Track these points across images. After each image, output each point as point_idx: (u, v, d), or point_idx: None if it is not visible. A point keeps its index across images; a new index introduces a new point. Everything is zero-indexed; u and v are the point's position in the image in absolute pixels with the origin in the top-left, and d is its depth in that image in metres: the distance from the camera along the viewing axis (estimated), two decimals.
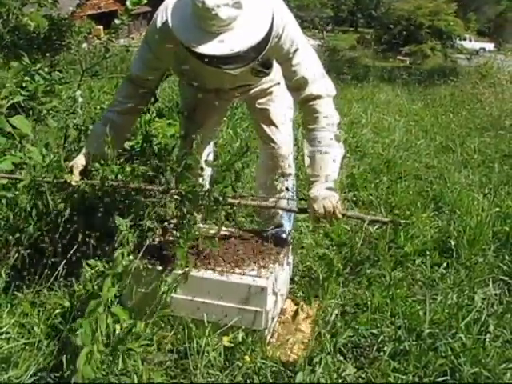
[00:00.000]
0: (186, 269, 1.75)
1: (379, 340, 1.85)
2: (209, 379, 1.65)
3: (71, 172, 1.94)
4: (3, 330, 1.80)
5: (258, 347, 1.73)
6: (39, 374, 1.64)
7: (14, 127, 2.32)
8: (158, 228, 1.89)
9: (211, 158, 2.39)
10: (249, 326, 1.74)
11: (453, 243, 2.68)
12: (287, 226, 2.37)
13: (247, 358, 1.69)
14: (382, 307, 2.05)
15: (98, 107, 3.38)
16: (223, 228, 2.05)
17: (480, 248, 2.63)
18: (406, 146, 4.80)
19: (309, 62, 1.89)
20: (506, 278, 2.36)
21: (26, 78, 2.96)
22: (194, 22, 1.65)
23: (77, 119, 3.02)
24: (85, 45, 5.69)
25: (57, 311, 1.91)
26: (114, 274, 1.59)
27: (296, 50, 1.84)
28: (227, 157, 3.49)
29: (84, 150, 2.00)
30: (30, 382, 1.61)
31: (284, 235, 2.25)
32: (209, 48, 1.64)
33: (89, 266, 1.83)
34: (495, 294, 2.20)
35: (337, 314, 1.91)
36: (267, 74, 2.07)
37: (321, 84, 1.90)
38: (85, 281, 1.87)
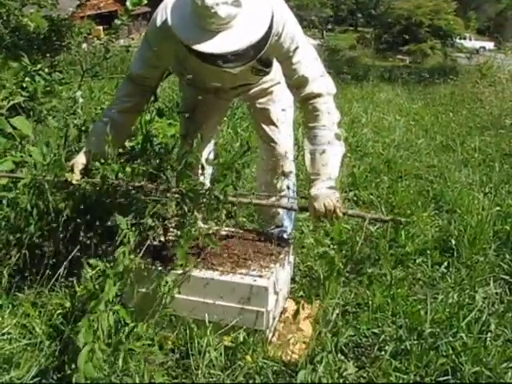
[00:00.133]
0: (187, 269, 1.75)
1: (380, 339, 1.85)
2: (210, 379, 1.65)
3: (72, 171, 1.94)
4: (5, 330, 1.80)
5: (259, 347, 1.73)
6: (41, 374, 1.64)
7: (14, 128, 2.32)
8: (159, 227, 1.89)
9: (212, 156, 2.39)
10: (250, 326, 1.74)
11: (453, 242, 2.68)
12: (288, 225, 2.37)
13: (248, 357, 1.69)
14: (383, 306, 2.05)
15: (99, 108, 3.39)
16: (224, 228, 2.05)
17: (481, 247, 2.63)
18: (407, 145, 4.80)
19: (309, 60, 1.89)
20: (507, 277, 2.36)
21: (27, 79, 2.96)
22: (194, 20, 1.65)
23: (77, 120, 3.02)
24: (85, 45, 5.70)
25: (58, 312, 1.91)
26: (115, 273, 1.59)
27: (296, 49, 1.84)
28: (228, 156, 3.49)
29: (84, 149, 1.99)
30: (32, 382, 1.61)
31: (285, 235, 2.25)
32: (208, 46, 1.64)
33: (90, 265, 1.83)
34: (496, 293, 2.20)
35: (338, 314, 1.91)
36: (267, 73, 2.07)
37: (321, 82, 1.90)
38: (86, 281, 1.87)
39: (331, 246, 2.52)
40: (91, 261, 1.70)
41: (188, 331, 1.75)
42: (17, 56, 3.27)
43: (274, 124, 2.22)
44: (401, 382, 1.66)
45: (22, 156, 2.21)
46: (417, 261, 2.53)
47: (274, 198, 2.10)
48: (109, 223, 2.12)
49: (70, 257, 1.99)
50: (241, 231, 2.09)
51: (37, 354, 1.70)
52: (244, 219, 2.79)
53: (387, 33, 20.99)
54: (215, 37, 1.64)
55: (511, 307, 2.08)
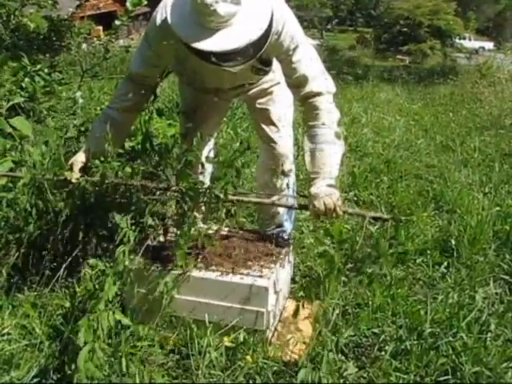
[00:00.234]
0: (187, 269, 1.75)
1: (380, 339, 1.85)
2: (211, 379, 1.65)
3: (71, 169, 1.93)
4: (5, 331, 1.80)
5: (259, 347, 1.73)
6: (41, 375, 1.63)
7: (14, 128, 2.32)
8: (159, 225, 1.88)
9: (212, 155, 2.39)
10: (250, 326, 1.74)
11: (453, 242, 2.68)
12: (288, 225, 2.37)
13: (249, 358, 1.69)
14: (383, 306, 2.06)
15: (98, 108, 3.39)
16: (224, 228, 2.05)
17: (481, 247, 2.63)
18: (406, 145, 4.80)
19: (309, 59, 1.89)
20: (507, 277, 2.36)
21: (26, 79, 2.96)
22: (193, 18, 1.65)
23: (77, 120, 3.02)
24: (84, 45, 5.69)
25: (58, 312, 1.91)
26: (114, 273, 1.59)
27: (296, 47, 1.84)
28: (228, 155, 3.49)
29: (84, 148, 1.99)
30: (32, 383, 1.61)
31: (285, 235, 2.25)
32: (207, 44, 1.64)
33: (89, 265, 1.84)
34: (496, 293, 2.20)
35: (338, 314, 1.91)
36: (267, 72, 2.07)
37: (321, 81, 1.90)
38: (85, 281, 1.87)
39: (331, 244, 2.53)
40: (91, 261, 1.70)
41: (188, 331, 1.75)
42: (17, 56, 3.27)
43: (273, 124, 2.22)
44: (401, 382, 1.66)
45: (21, 156, 2.21)
46: (417, 261, 2.53)
47: (274, 197, 2.10)
48: (108, 222, 2.12)
49: (70, 258, 1.99)
50: (241, 231, 2.09)
51: (37, 354, 1.70)
52: (244, 219, 2.79)
53: (387, 33, 20.97)
54: (214, 35, 1.64)
55: (511, 307, 2.08)
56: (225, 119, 3.68)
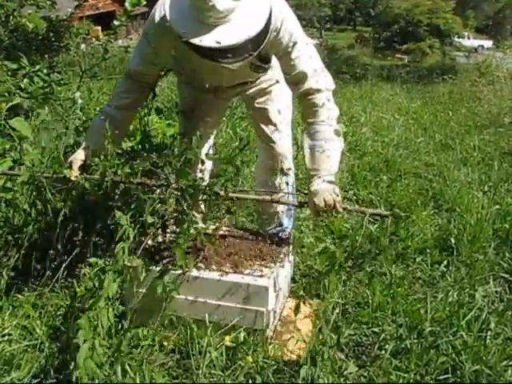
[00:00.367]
0: (186, 269, 1.75)
1: (381, 338, 1.86)
2: (211, 379, 1.65)
3: (70, 167, 1.92)
4: (5, 332, 1.80)
5: (259, 347, 1.73)
6: (41, 375, 1.64)
7: (13, 129, 2.32)
8: (159, 223, 1.87)
9: (211, 152, 2.39)
10: (250, 326, 1.74)
11: (453, 241, 2.69)
12: (288, 225, 2.38)
13: (249, 357, 1.69)
14: (383, 305, 2.06)
15: (98, 108, 3.39)
16: (224, 228, 2.05)
17: (480, 246, 2.63)
18: (406, 144, 4.80)
19: (308, 55, 1.89)
20: (507, 276, 2.37)
21: (25, 80, 2.95)
22: (192, 14, 1.65)
23: (76, 120, 3.02)
24: (83, 46, 5.69)
25: (58, 312, 1.91)
26: (114, 270, 1.59)
27: (295, 44, 1.84)
28: (228, 152, 3.49)
29: (83, 145, 1.98)
30: (33, 383, 1.61)
31: (285, 234, 2.25)
32: (206, 40, 1.63)
33: (89, 264, 1.83)
34: (496, 292, 2.20)
35: (338, 313, 1.91)
36: (266, 70, 2.07)
37: (320, 78, 1.90)
38: (84, 280, 1.86)
39: (332, 240, 2.53)
40: (91, 259, 1.69)
41: (188, 331, 1.75)
42: (15, 57, 3.27)
43: (272, 123, 2.22)
44: (401, 380, 1.66)
45: (20, 155, 2.20)
46: (416, 259, 2.53)
47: (274, 195, 2.09)
48: (108, 221, 2.12)
49: (70, 258, 1.99)
50: (241, 231, 2.09)
51: (37, 354, 1.71)
52: (244, 219, 2.79)
53: (386, 32, 21.00)
54: (213, 31, 1.64)
55: (511, 305, 2.08)
56: (224, 119, 3.68)
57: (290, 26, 1.82)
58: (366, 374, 1.73)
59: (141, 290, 1.78)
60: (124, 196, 2.03)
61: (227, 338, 1.72)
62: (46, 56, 4.12)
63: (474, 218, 2.88)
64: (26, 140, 2.35)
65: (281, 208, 2.31)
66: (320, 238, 2.67)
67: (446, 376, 1.69)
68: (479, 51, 19.10)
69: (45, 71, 3.20)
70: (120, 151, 2.04)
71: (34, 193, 2.11)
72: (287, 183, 2.20)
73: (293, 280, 2.23)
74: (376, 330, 1.92)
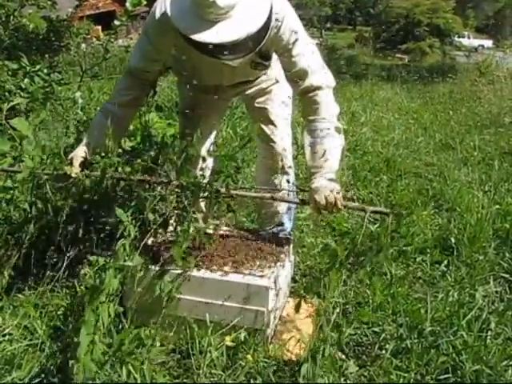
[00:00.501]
0: (187, 269, 1.75)
1: (381, 338, 1.86)
2: (212, 379, 1.65)
3: (71, 164, 1.91)
4: (6, 331, 1.80)
5: (260, 346, 1.74)
6: (42, 375, 1.64)
7: (14, 129, 2.32)
8: (159, 221, 1.87)
9: (212, 149, 2.38)
10: (251, 326, 1.74)
11: (453, 241, 2.69)
12: (288, 224, 2.38)
13: (250, 357, 1.69)
14: (383, 305, 2.06)
15: (98, 108, 3.39)
16: (224, 228, 2.05)
17: (480, 245, 2.64)
18: (406, 144, 4.81)
19: (308, 53, 1.89)
20: (507, 276, 2.37)
21: (26, 80, 2.95)
22: (193, 10, 1.65)
23: (77, 120, 3.02)
24: (83, 45, 5.69)
25: (59, 312, 1.91)
26: (115, 266, 1.59)
27: (296, 41, 1.84)
28: (228, 151, 3.49)
29: (84, 142, 1.97)
30: (34, 383, 1.61)
31: (285, 234, 2.25)
32: (207, 36, 1.64)
33: (89, 263, 1.83)
34: (496, 292, 2.21)
35: (338, 312, 1.91)
36: (266, 67, 2.06)
37: (321, 75, 1.90)
38: (84, 278, 1.86)
39: (333, 238, 2.53)
40: (91, 257, 1.69)
41: (189, 331, 1.75)
42: (16, 57, 3.27)
43: (272, 123, 2.22)
44: (401, 380, 1.66)
45: (20, 153, 2.19)
46: (417, 259, 2.54)
47: (274, 193, 2.09)
48: (109, 220, 2.12)
49: (71, 258, 1.99)
50: (241, 231, 2.09)
51: (38, 354, 1.71)
52: (244, 219, 2.79)
53: (386, 31, 20.98)
54: (213, 27, 1.64)
55: (511, 305, 2.08)
56: (224, 118, 3.69)
57: (290, 22, 1.82)
58: (366, 373, 1.73)
59: (141, 290, 1.78)
60: (125, 193, 2.02)
61: (228, 337, 1.72)
62: (47, 56, 4.11)
63: (474, 217, 2.88)
64: (26, 138, 2.35)
65: (281, 208, 2.32)
66: (321, 235, 2.68)
67: (446, 376, 1.69)
68: (479, 51, 19.10)
69: (45, 71, 3.20)
70: (121, 147, 2.03)
71: (35, 188, 2.10)
72: (288, 181, 2.20)
73: (293, 280, 2.23)
74: (376, 329, 1.93)
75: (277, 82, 2.20)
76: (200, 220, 1.89)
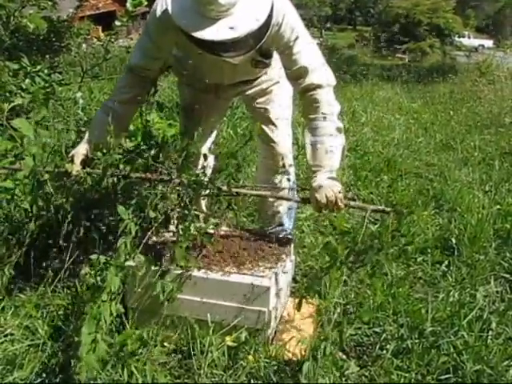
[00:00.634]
0: (188, 269, 1.75)
1: (382, 338, 1.86)
2: (213, 379, 1.66)
3: (72, 161, 1.91)
4: (7, 331, 1.81)
5: (261, 347, 1.74)
6: (44, 375, 1.64)
7: (15, 130, 2.32)
8: (161, 219, 1.86)
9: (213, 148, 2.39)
10: (252, 326, 1.74)
11: (454, 241, 2.69)
12: (288, 225, 2.38)
13: (251, 357, 1.69)
14: (384, 305, 2.06)
15: (99, 108, 3.39)
16: (225, 228, 2.05)
17: (481, 246, 2.64)
18: (406, 144, 4.81)
19: (309, 50, 1.89)
20: (508, 276, 2.37)
21: (27, 80, 2.96)
22: (194, 8, 1.65)
23: (78, 120, 3.03)
24: (84, 46, 5.70)
25: (60, 312, 1.92)
26: (117, 264, 1.59)
27: (296, 39, 1.84)
28: (230, 147, 3.49)
29: (85, 139, 1.97)
30: (35, 383, 1.62)
31: (286, 234, 2.25)
32: (208, 33, 1.64)
33: (90, 263, 1.82)
34: (497, 292, 2.21)
35: (339, 313, 1.91)
36: (267, 65, 2.06)
37: (321, 73, 1.90)
38: (85, 276, 1.85)
39: (333, 236, 2.52)
40: (92, 256, 1.68)
41: (190, 331, 1.76)
42: (17, 57, 3.27)
43: (273, 124, 2.22)
44: (402, 380, 1.66)
45: (21, 151, 2.19)
46: (417, 259, 2.54)
47: (275, 192, 2.09)
48: (110, 218, 2.12)
49: (72, 258, 1.99)
50: (242, 231, 2.09)
51: (40, 354, 1.71)
52: (245, 219, 2.80)
53: (386, 31, 20.99)
54: (215, 24, 1.64)
55: None
56: (224, 118, 3.69)
57: (291, 20, 1.82)
58: (367, 373, 1.73)
59: (142, 290, 1.79)
60: (126, 191, 2.02)
61: (229, 337, 1.72)
62: (47, 56, 4.12)
63: (474, 217, 2.89)
64: (27, 140, 2.35)
65: (281, 208, 2.32)
66: (322, 233, 2.68)
67: (447, 376, 1.69)
68: (480, 51, 19.12)
69: (46, 71, 3.20)
70: (121, 146, 2.03)
71: (36, 186, 2.09)
72: (288, 180, 2.20)
73: (294, 280, 2.23)
74: (377, 329, 1.93)
75: (277, 82, 2.20)
76: (201, 220, 1.90)
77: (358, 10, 36.40)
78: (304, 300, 1.79)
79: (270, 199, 2.26)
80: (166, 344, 1.78)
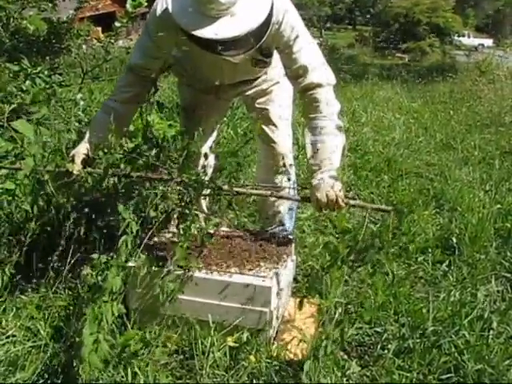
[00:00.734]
0: (190, 269, 1.76)
1: (383, 338, 1.86)
2: (214, 379, 1.66)
3: (73, 161, 1.91)
4: (9, 333, 1.81)
5: (262, 347, 1.74)
6: (46, 376, 1.64)
7: (16, 131, 2.32)
8: (161, 218, 1.86)
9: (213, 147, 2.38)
10: (253, 326, 1.75)
11: (455, 240, 2.69)
12: (289, 224, 2.38)
13: (252, 357, 1.69)
14: (385, 305, 2.06)
15: (99, 109, 3.39)
16: (226, 229, 2.05)
17: (482, 245, 2.64)
18: (407, 143, 4.81)
19: (309, 50, 1.89)
20: (508, 275, 2.37)
21: (27, 82, 2.96)
22: (194, 7, 1.66)
23: (78, 121, 3.03)
24: (84, 47, 5.70)
25: (62, 314, 1.92)
26: (118, 263, 1.59)
27: (296, 37, 1.84)
28: (231, 146, 3.49)
29: (85, 139, 1.97)
30: None
31: (287, 234, 2.25)
32: (208, 32, 1.64)
33: (91, 264, 1.82)
34: (498, 291, 2.21)
35: (340, 313, 1.92)
36: (267, 65, 2.07)
37: (321, 72, 1.90)
38: (87, 276, 1.86)
39: (332, 235, 2.53)
40: (93, 255, 1.68)
41: (192, 332, 1.76)
42: (17, 59, 3.28)
43: (273, 124, 2.23)
44: (404, 380, 1.66)
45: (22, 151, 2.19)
46: (418, 259, 2.54)
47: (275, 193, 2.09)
48: (111, 218, 2.12)
49: (73, 260, 1.99)
50: (243, 232, 2.09)
51: (42, 356, 1.71)
52: (245, 219, 2.80)
53: (385, 31, 21.01)
54: (215, 23, 1.64)
55: None
56: (225, 119, 3.69)
57: (291, 19, 1.83)
58: (368, 373, 1.73)
59: (144, 290, 1.79)
60: (126, 191, 2.02)
61: (230, 338, 1.72)
62: (48, 58, 4.12)
63: (475, 217, 2.89)
64: (28, 141, 2.35)
65: (282, 208, 2.32)
66: (323, 233, 2.68)
67: (448, 375, 1.69)
68: (479, 50, 19.10)
69: (46, 73, 3.21)
70: (122, 146, 2.03)
71: (36, 186, 2.09)
72: (289, 179, 2.20)
73: (295, 280, 2.23)
74: (378, 329, 1.93)
75: (277, 82, 2.20)
76: (202, 220, 1.90)
77: (357, 9, 36.41)
78: (305, 300, 1.80)
79: (271, 199, 2.26)
80: (167, 345, 1.78)
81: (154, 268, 1.78)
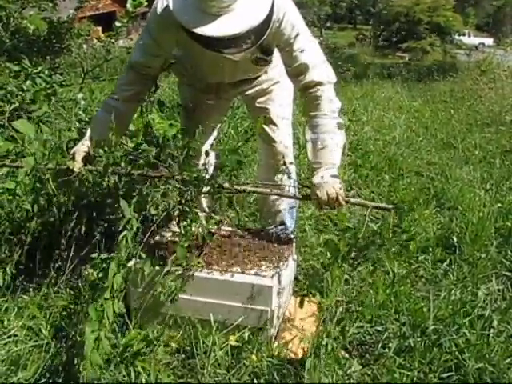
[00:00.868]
0: (191, 269, 1.76)
1: (384, 337, 1.86)
2: (216, 378, 1.66)
3: (73, 158, 1.91)
4: (11, 332, 1.81)
5: (264, 346, 1.74)
6: (48, 375, 1.65)
7: (16, 131, 2.33)
8: (162, 216, 1.86)
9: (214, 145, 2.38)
10: (255, 325, 1.75)
11: (455, 239, 2.69)
12: (290, 224, 2.38)
13: (254, 356, 1.70)
14: (386, 304, 2.06)
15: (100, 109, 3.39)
16: (227, 228, 2.06)
17: (482, 244, 2.64)
18: (407, 143, 4.81)
19: (310, 47, 1.89)
20: (509, 274, 2.37)
21: (28, 82, 2.96)
22: (195, 4, 1.65)
23: (79, 121, 3.03)
24: (84, 46, 5.70)
25: (63, 313, 1.92)
26: (118, 259, 1.59)
27: (297, 35, 1.84)
28: (232, 144, 3.49)
29: (86, 137, 1.97)
30: (39, 383, 1.62)
31: (287, 233, 2.26)
32: (209, 29, 1.64)
33: (92, 264, 1.82)
34: (498, 290, 2.21)
35: (341, 311, 1.92)
36: (267, 63, 2.07)
37: (321, 70, 1.90)
38: (88, 275, 1.86)
39: (333, 233, 2.53)
40: (93, 255, 1.69)
41: (193, 331, 1.76)
42: (17, 58, 3.28)
43: (273, 123, 2.23)
44: (405, 379, 1.67)
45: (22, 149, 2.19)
46: (419, 258, 2.54)
47: (275, 191, 2.10)
48: (111, 217, 2.12)
49: (75, 262, 2.00)
50: (244, 231, 2.10)
51: (43, 355, 1.72)
52: (246, 219, 2.80)
53: (386, 30, 20.98)
54: (216, 20, 1.64)
55: None
56: (225, 118, 3.69)
57: (292, 17, 1.83)
58: (369, 372, 1.73)
59: (145, 290, 1.79)
60: (127, 189, 2.02)
61: (232, 337, 1.73)
62: (48, 57, 4.13)
63: (476, 216, 2.89)
64: (28, 140, 2.35)
65: (283, 206, 2.32)
66: (323, 232, 2.68)
67: (449, 374, 1.70)
68: (480, 49, 19.10)
69: (47, 72, 3.21)
70: (123, 144, 2.02)
71: (37, 184, 2.09)
72: (289, 177, 2.21)
73: (296, 279, 2.23)
74: (379, 328, 1.93)
75: (278, 82, 2.20)
76: (203, 219, 1.90)
77: (358, 8, 36.35)
78: (306, 298, 1.80)
79: (272, 198, 2.26)
80: (169, 344, 1.78)
81: (155, 266, 1.78)
